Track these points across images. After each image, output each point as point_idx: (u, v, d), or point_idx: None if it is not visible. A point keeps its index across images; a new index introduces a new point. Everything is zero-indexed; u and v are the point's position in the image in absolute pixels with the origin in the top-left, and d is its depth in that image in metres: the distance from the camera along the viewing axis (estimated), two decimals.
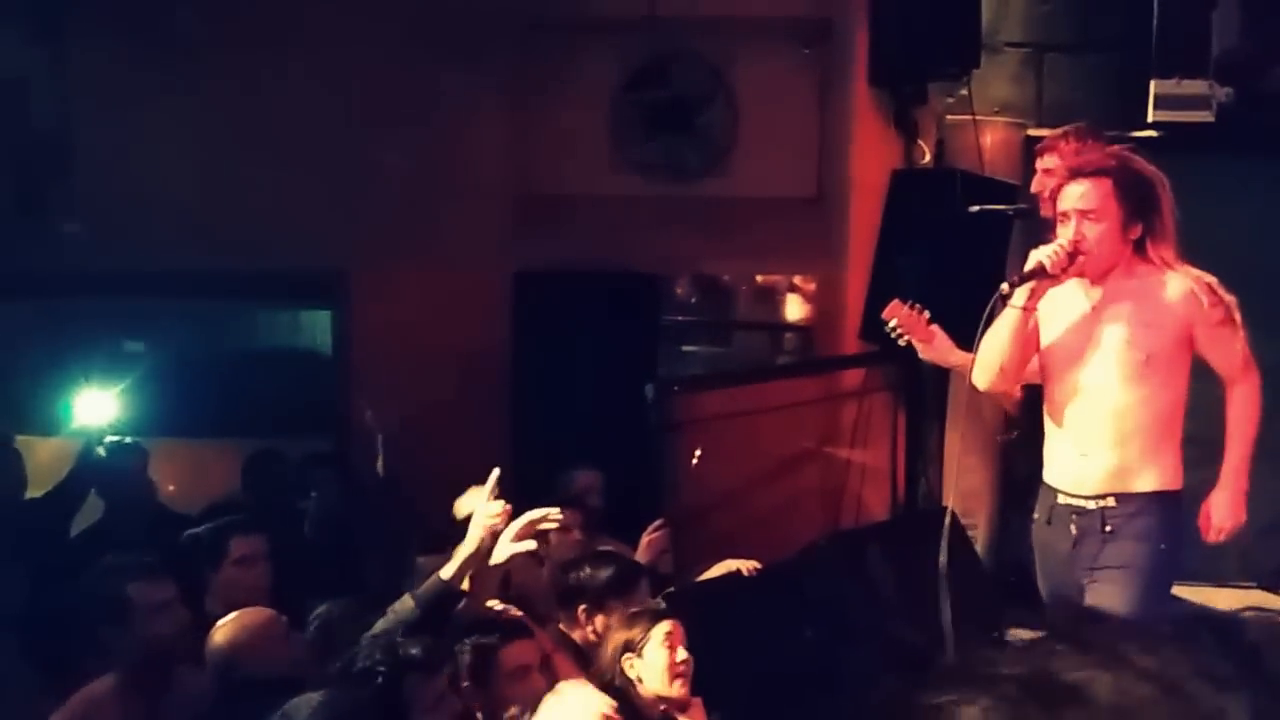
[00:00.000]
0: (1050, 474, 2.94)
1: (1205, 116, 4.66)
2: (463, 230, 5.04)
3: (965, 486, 4.30)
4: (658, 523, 3.86)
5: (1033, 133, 4.71)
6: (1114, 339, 2.83)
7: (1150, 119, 4.67)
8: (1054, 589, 2.99)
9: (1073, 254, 2.78)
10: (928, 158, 4.72)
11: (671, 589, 3.51)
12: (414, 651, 2.51)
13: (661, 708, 2.80)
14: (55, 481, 4.70)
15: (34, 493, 4.71)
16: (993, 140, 4.73)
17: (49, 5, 5.09)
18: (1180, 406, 2.89)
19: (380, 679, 2.42)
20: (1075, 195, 2.80)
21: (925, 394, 4.54)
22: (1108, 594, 2.81)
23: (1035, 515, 3.02)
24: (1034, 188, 3.57)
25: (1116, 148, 2.94)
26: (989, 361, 2.88)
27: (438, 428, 4.72)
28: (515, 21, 5.08)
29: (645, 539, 3.79)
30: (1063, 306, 2.90)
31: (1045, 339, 2.92)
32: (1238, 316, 2.84)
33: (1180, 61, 4.65)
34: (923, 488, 4.49)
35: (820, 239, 4.91)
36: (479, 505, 2.80)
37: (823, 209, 4.95)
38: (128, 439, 4.53)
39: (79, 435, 4.84)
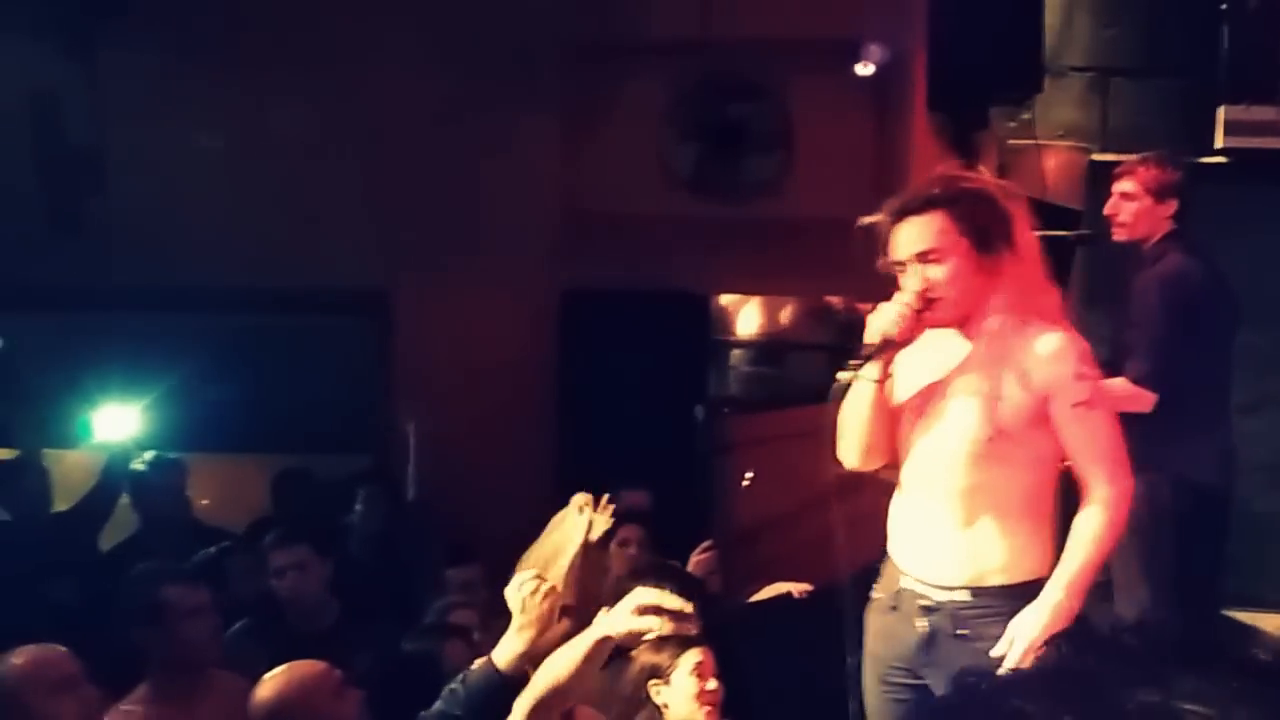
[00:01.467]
0: (895, 547, 2.47)
1: (1275, 143, 4.57)
2: (510, 247, 4.95)
3: None
4: (706, 544, 3.78)
5: (1097, 158, 4.63)
6: (959, 409, 2.30)
7: (1218, 145, 4.58)
8: (891, 675, 2.43)
9: (922, 309, 2.31)
10: None
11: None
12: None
13: None
14: (82, 494, 4.60)
15: (60, 506, 4.61)
16: (1056, 165, 4.64)
17: (81, 19, 5.08)
18: (1052, 484, 2.32)
19: None
20: (907, 239, 2.35)
21: None
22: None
23: (875, 593, 2.49)
24: (1108, 210, 3.50)
25: (946, 173, 2.42)
26: (853, 443, 2.41)
27: (482, 446, 4.59)
28: (567, 41, 5.04)
29: (694, 559, 3.71)
30: (915, 361, 2.39)
31: (897, 395, 2.41)
32: (1106, 401, 2.31)
33: (1250, 87, 4.58)
34: None
35: (877, 260, 4.78)
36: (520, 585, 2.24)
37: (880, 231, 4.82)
38: (167, 454, 4.45)
39: (105, 448, 4.76)
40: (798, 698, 3.25)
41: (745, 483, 4.23)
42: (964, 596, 2.27)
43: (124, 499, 4.49)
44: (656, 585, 2.95)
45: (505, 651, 2.16)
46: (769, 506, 4.47)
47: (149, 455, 4.49)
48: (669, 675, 2.68)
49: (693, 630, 2.78)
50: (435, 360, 4.86)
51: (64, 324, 5.33)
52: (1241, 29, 4.58)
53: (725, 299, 5.45)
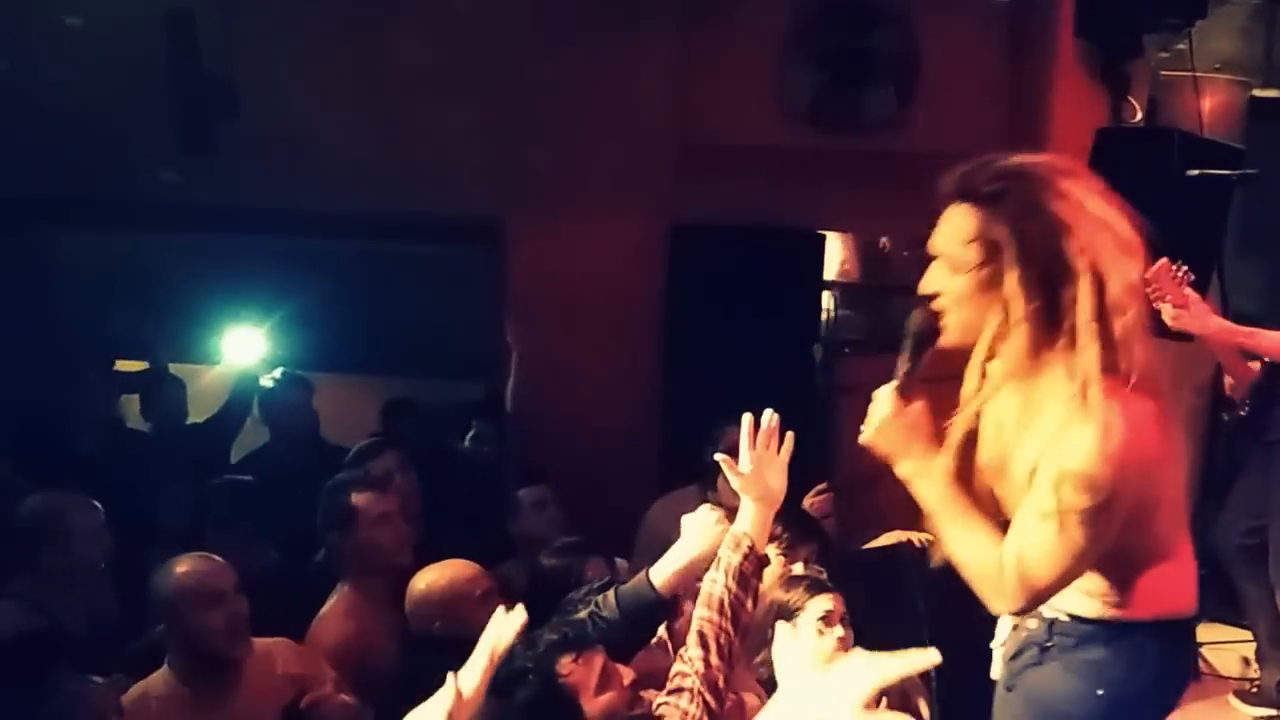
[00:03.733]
0: None
1: None
2: (622, 179, 4.90)
3: None
4: (821, 486, 3.71)
5: (1259, 93, 4.28)
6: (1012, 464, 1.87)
7: None
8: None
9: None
10: (1139, 116, 4.32)
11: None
12: (563, 632, 2.20)
13: None
14: (214, 409, 4.83)
15: (195, 419, 4.86)
16: (1213, 100, 4.30)
17: None
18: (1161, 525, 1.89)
19: (530, 682, 2.13)
20: (938, 227, 1.91)
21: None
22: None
23: None
24: None
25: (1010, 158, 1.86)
26: None
27: (590, 377, 4.62)
28: None
29: (808, 502, 3.65)
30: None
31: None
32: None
33: None
34: None
35: None
36: (700, 520, 2.35)
37: None
38: (295, 371, 4.63)
39: (235, 366, 4.98)
40: (915, 642, 3.21)
41: (865, 427, 4.14)
42: (1063, 617, 2.00)
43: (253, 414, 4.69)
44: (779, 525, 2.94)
45: (663, 571, 2.30)
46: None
47: (278, 372, 4.66)
48: (795, 618, 2.64)
49: (823, 574, 2.78)
50: (546, 291, 4.88)
51: (197, 243, 5.55)
52: None
53: (842, 237, 5.29)
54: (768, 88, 4.92)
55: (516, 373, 4.83)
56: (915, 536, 3.53)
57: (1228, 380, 3.54)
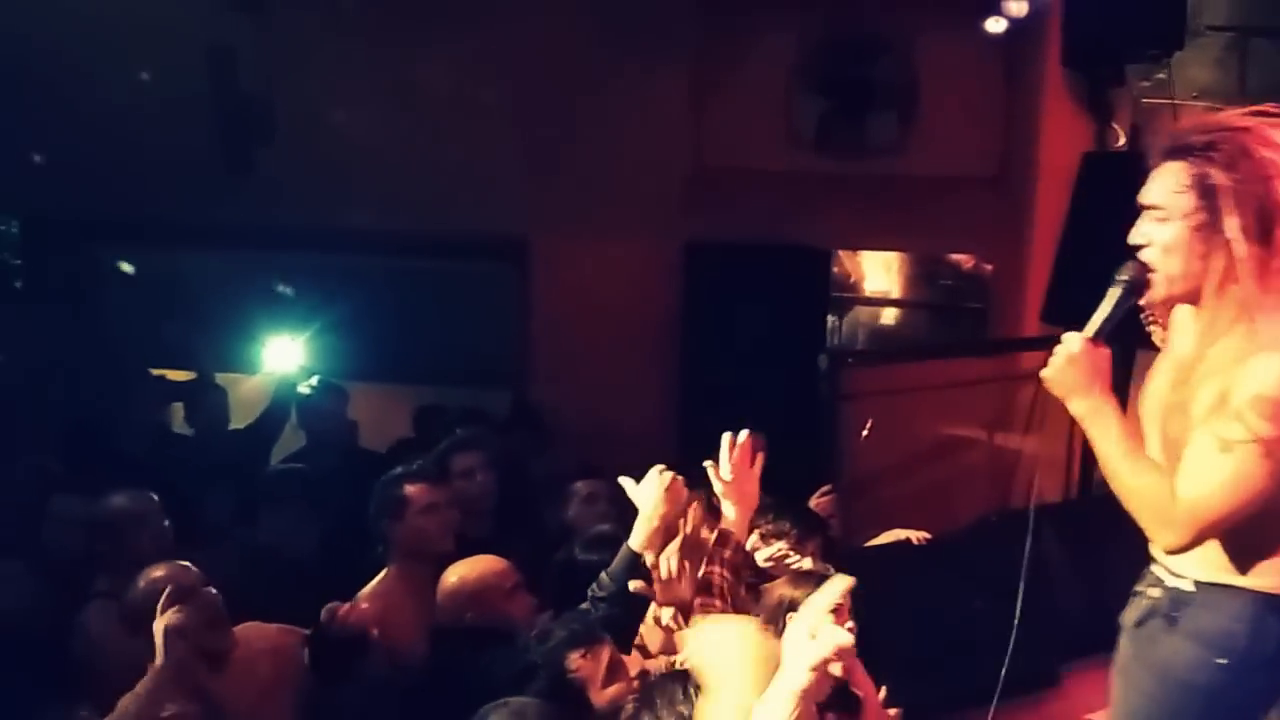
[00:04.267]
0: None
1: None
2: (638, 200, 5.18)
3: None
4: (826, 488, 3.91)
5: None
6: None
7: None
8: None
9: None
10: (1122, 141, 4.59)
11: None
12: (571, 629, 2.43)
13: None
14: (255, 415, 5.10)
15: (236, 425, 5.12)
16: None
17: None
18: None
19: (542, 671, 2.34)
20: (1150, 184, 1.98)
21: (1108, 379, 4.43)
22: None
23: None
24: None
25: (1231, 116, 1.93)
26: None
27: (609, 389, 4.88)
28: None
29: (814, 502, 3.84)
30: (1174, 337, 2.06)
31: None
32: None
33: None
34: (1098, 475, 4.39)
35: (1001, 220, 4.85)
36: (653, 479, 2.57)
37: (1005, 190, 4.88)
38: (331, 380, 4.85)
39: (275, 375, 5.23)
40: (915, 641, 3.43)
41: (865, 432, 4.41)
42: (1188, 586, 2.05)
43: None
44: (778, 521, 3.19)
45: (636, 535, 2.52)
46: (888, 456, 4.65)
47: (315, 380, 4.88)
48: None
49: (831, 570, 2.99)
50: (569, 305, 5.16)
51: (238, 260, 5.84)
52: None
53: (847, 255, 5.57)
54: (776, 115, 5.21)
55: (541, 383, 5.09)
56: (914, 535, 3.77)
57: None
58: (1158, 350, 2.24)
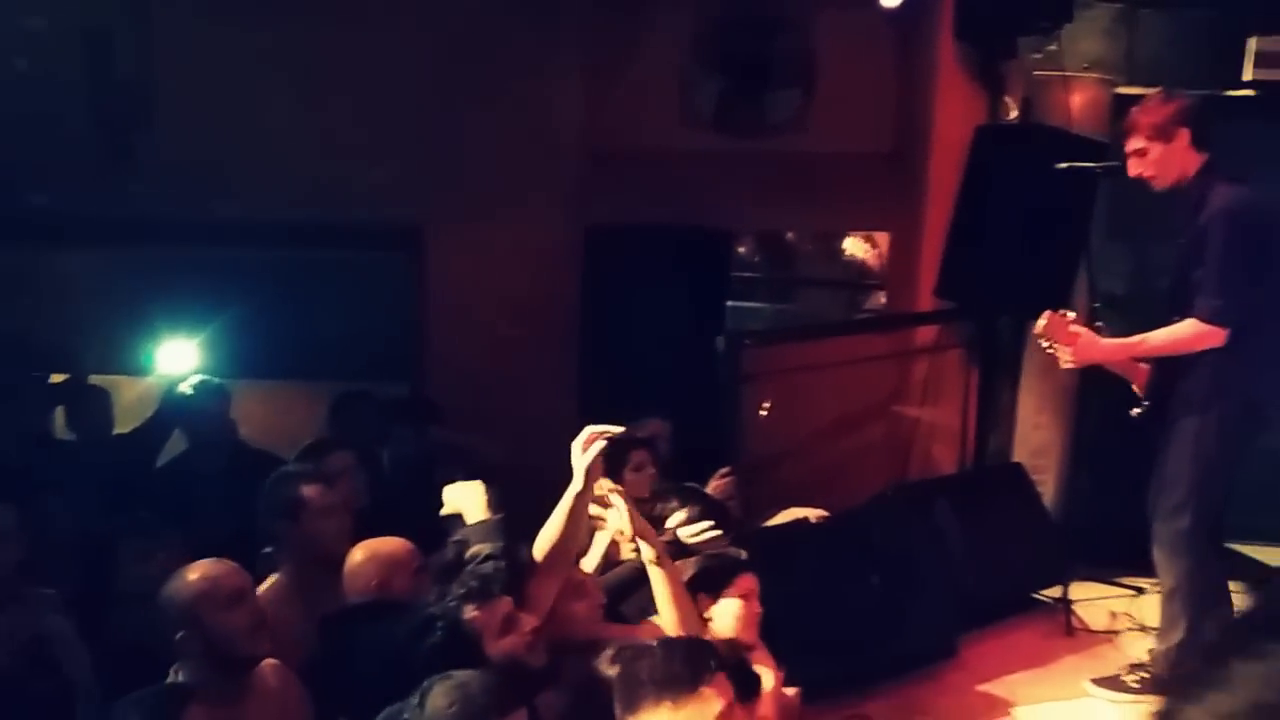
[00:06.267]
0: None
1: None
2: (536, 184, 5.07)
3: (1035, 443, 4.24)
4: (725, 470, 3.89)
5: (1122, 90, 4.58)
6: None
7: (1247, 77, 4.50)
8: None
9: None
10: (1014, 114, 4.61)
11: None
12: (470, 585, 2.43)
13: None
14: (141, 419, 4.89)
15: (121, 429, 4.91)
16: (1081, 97, 4.61)
17: None
18: None
19: (438, 628, 2.35)
20: None
21: (999, 352, 4.47)
22: None
23: None
24: (1131, 173, 3.40)
25: None
26: None
27: (509, 377, 4.77)
28: None
29: (713, 484, 3.81)
30: None
31: None
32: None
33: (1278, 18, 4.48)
34: (992, 444, 4.43)
35: (897, 195, 4.85)
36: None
37: (900, 164, 4.88)
38: (212, 380, 4.69)
39: (163, 377, 5.03)
40: (814, 617, 3.41)
41: (763, 412, 4.38)
42: None
43: None
44: (680, 507, 3.15)
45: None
46: (787, 435, 4.63)
47: (194, 380, 4.69)
48: (717, 594, 2.83)
49: (743, 554, 2.98)
50: (465, 294, 5.03)
51: (119, 255, 5.59)
52: None
53: (746, 235, 5.53)
54: (674, 94, 5.14)
55: (437, 373, 4.97)
56: (812, 513, 3.76)
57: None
58: None
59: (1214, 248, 3.23)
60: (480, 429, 4.64)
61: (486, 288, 4.99)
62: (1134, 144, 3.36)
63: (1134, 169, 3.37)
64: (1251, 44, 4.50)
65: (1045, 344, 3.30)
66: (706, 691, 1.94)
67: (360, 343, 5.24)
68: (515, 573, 2.54)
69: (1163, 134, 3.31)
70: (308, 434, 4.74)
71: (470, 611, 2.37)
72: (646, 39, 5.13)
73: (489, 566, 2.51)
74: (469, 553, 2.57)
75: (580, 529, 2.70)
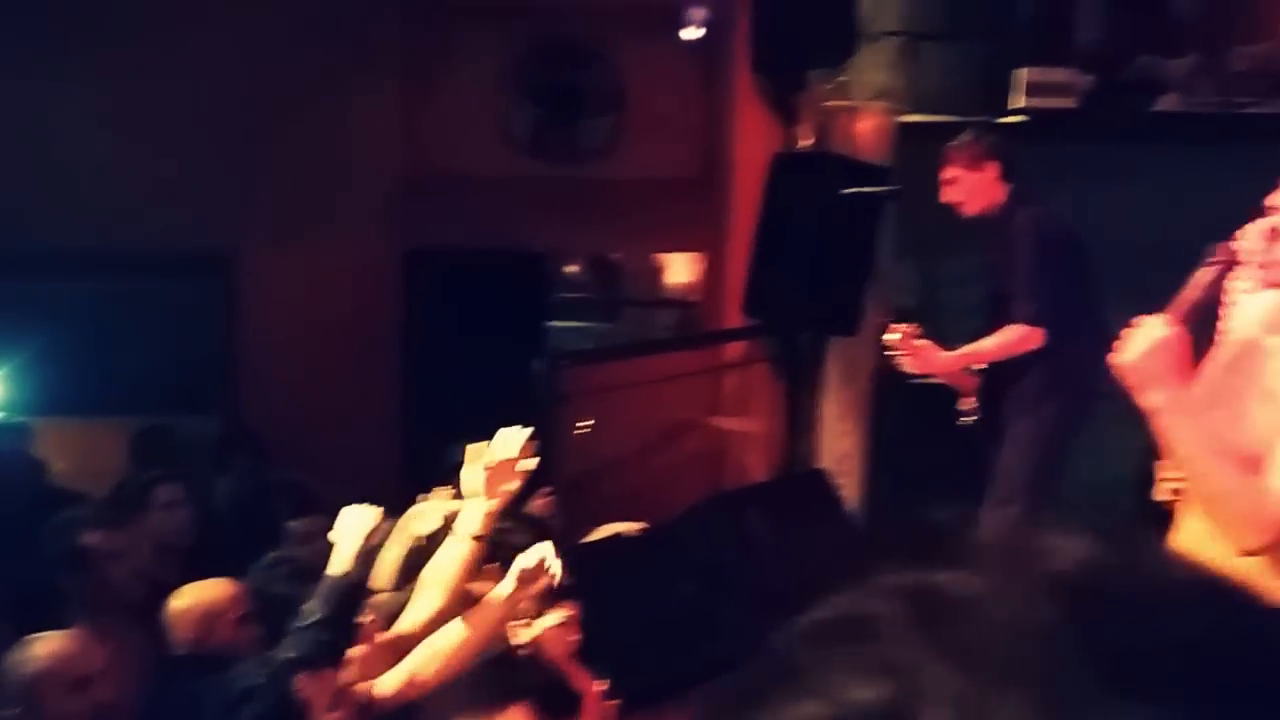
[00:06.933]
0: None
1: (1070, 103, 4.94)
2: (353, 210, 5.07)
3: (839, 449, 4.51)
4: (546, 489, 3.96)
5: (904, 119, 4.94)
6: None
7: (1015, 105, 4.93)
8: None
9: None
10: (809, 141, 4.90)
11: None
12: (292, 654, 2.34)
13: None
14: None
15: None
16: (869, 126, 4.93)
17: None
18: None
19: (265, 692, 2.28)
20: None
21: (803, 364, 4.74)
22: None
23: None
24: (944, 199, 3.68)
25: None
26: None
27: (329, 404, 4.73)
28: (402, 3, 5.12)
29: (534, 503, 3.87)
30: None
31: None
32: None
33: (1045, 51, 4.94)
34: (799, 451, 4.68)
35: (704, 219, 5.07)
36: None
37: (706, 190, 5.11)
38: (11, 419, 4.48)
39: None
40: (629, 628, 3.51)
41: (583, 430, 4.49)
42: None
43: None
44: (514, 531, 3.19)
45: (340, 560, 2.53)
46: (606, 452, 4.76)
47: None
48: (534, 620, 2.77)
49: (565, 580, 3.02)
50: (280, 322, 4.97)
51: None
52: None
53: (563, 257, 5.66)
54: (489, 121, 5.22)
55: (253, 403, 4.88)
56: (627, 528, 3.87)
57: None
58: None
59: (1023, 260, 3.56)
60: (298, 459, 4.58)
61: (301, 315, 4.94)
62: (948, 174, 3.67)
63: (945, 196, 3.68)
64: (1021, 74, 4.94)
65: (891, 354, 3.53)
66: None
67: (170, 375, 5.09)
68: (342, 647, 2.39)
69: (971, 165, 3.63)
70: (118, 473, 4.58)
71: (299, 681, 2.27)
72: (461, 66, 5.21)
73: (317, 635, 2.40)
74: (303, 609, 2.46)
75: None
